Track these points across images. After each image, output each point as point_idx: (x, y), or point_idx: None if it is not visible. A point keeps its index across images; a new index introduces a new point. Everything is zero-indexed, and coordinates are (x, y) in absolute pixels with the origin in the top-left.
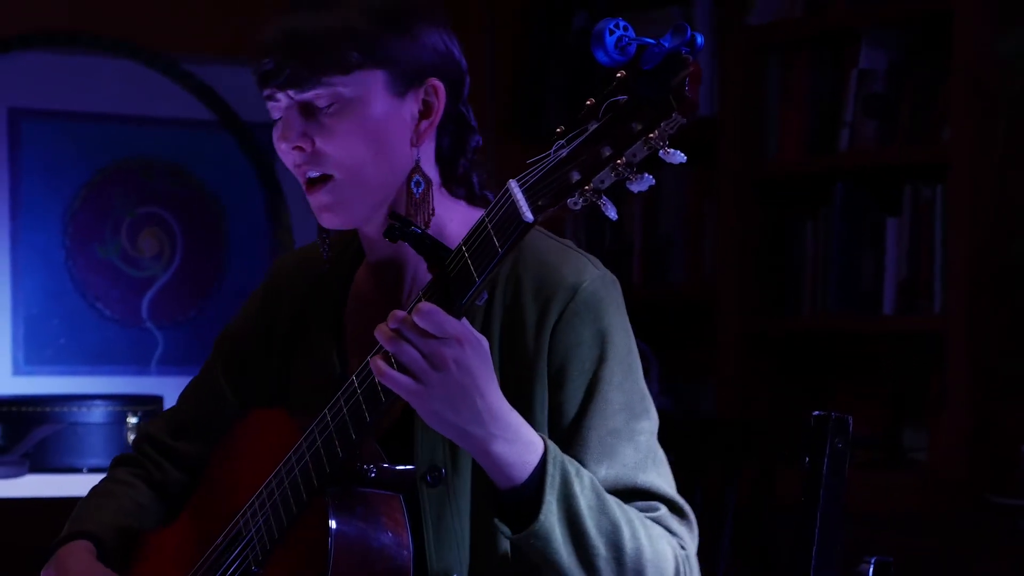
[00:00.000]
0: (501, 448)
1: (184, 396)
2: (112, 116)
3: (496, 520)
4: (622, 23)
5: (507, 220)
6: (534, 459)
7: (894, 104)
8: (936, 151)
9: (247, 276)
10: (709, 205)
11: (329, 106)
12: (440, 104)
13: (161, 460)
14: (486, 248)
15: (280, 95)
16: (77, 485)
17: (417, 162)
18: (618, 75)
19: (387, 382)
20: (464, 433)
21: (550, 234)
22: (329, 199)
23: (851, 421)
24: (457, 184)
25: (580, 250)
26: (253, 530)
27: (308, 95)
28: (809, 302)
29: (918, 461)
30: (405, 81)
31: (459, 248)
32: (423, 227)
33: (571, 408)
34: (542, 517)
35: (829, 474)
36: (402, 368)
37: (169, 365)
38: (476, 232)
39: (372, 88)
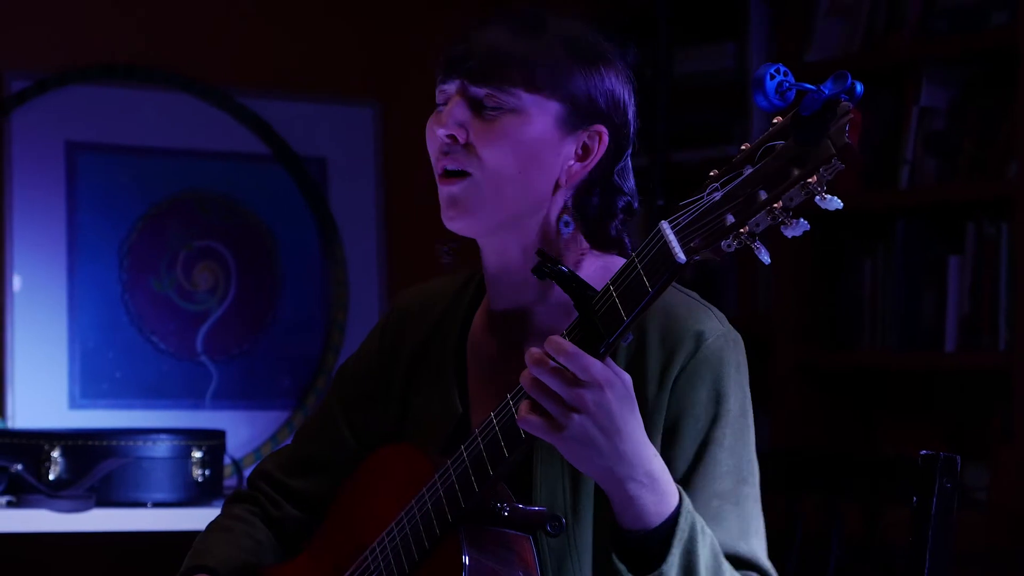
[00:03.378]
0: (639, 491)
1: (301, 433)
2: (168, 150)
3: (614, 558)
4: (782, 68)
5: (659, 260)
6: (668, 509)
7: (956, 141)
8: (1000, 187)
9: (300, 310)
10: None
11: (495, 108)
12: (599, 152)
13: (278, 498)
14: (635, 288)
15: (455, 81)
16: (142, 520)
17: (567, 203)
18: (775, 120)
19: (524, 425)
20: (606, 471)
21: (677, 284)
22: (460, 193)
23: (959, 460)
24: (608, 245)
25: (707, 303)
26: (383, 564)
27: (482, 92)
28: (868, 337)
29: (979, 500)
30: (575, 121)
31: (607, 288)
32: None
33: (681, 465)
34: (664, 568)
35: (938, 514)
36: (542, 409)
37: (223, 399)
38: (625, 272)
39: (543, 115)
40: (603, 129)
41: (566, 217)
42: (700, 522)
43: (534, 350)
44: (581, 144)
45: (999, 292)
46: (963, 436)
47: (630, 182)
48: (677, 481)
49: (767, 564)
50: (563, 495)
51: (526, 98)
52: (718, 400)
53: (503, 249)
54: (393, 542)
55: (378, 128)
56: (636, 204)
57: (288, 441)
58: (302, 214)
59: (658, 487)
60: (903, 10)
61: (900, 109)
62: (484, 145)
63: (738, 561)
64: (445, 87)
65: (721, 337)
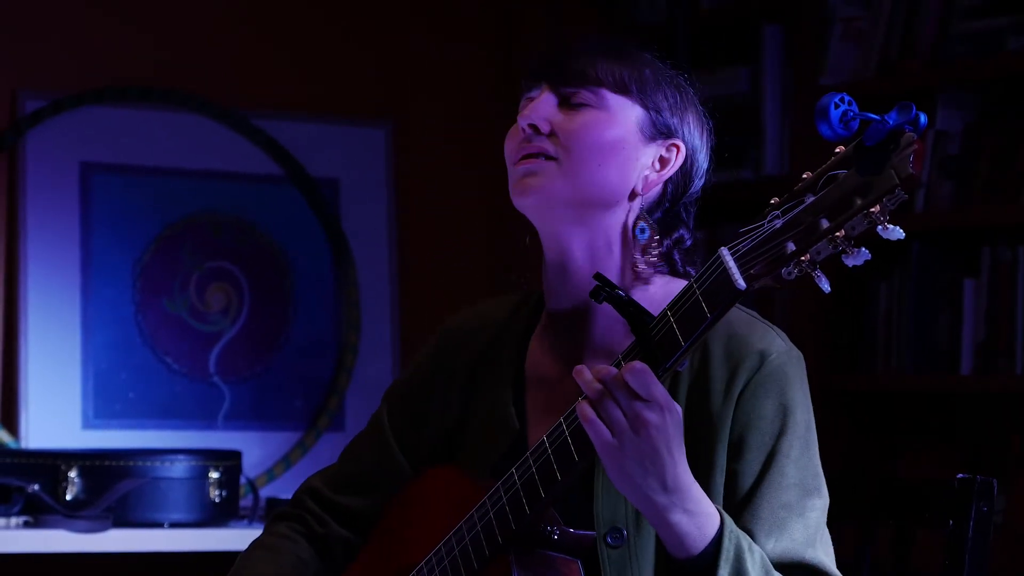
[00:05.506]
0: (680, 518)
1: (349, 450)
2: (182, 171)
3: None
4: (847, 97)
5: (718, 286)
6: (711, 532)
7: (971, 165)
8: (1016, 212)
9: (312, 331)
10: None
11: (582, 104)
12: (675, 163)
13: (324, 515)
14: (694, 314)
15: (541, 85)
16: (159, 540)
17: (643, 210)
18: (837, 149)
19: (589, 430)
20: (647, 498)
21: (739, 304)
22: (535, 168)
23: (996, 484)
24: (659, 262)
25: (768, 322)
26: None
27: (570, 89)
28: (883, 361)
29: (995, 524)
30: (656, 130)
31: (664, 313)
32: (629, 286)
33: (747, 479)
34: None
35: (974, 538)
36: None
37: (235, 420)
38: (683, 298)
39: (626, 117)
40: (681, 144)
41: (643, 224)
42: (746, 541)
43: (601, 366)
44: (659, 156)
45: (1016, 316)
46: (979, 459)
47: (691, 220)
48: (744, 494)
49: (835, 572)
50: (625, 506)
51: (612, 99)
52: (784, 413)
53: (568, 245)
54: (441, 563)
55: (390, 149)
56: (689, 242)
57: (302, 462)
58: (315, 235)
59: (700, 511)
60: (918, 34)
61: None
62: (566, 134)
63: (803, 568)
64: (530, 94)
65: (784, 354)
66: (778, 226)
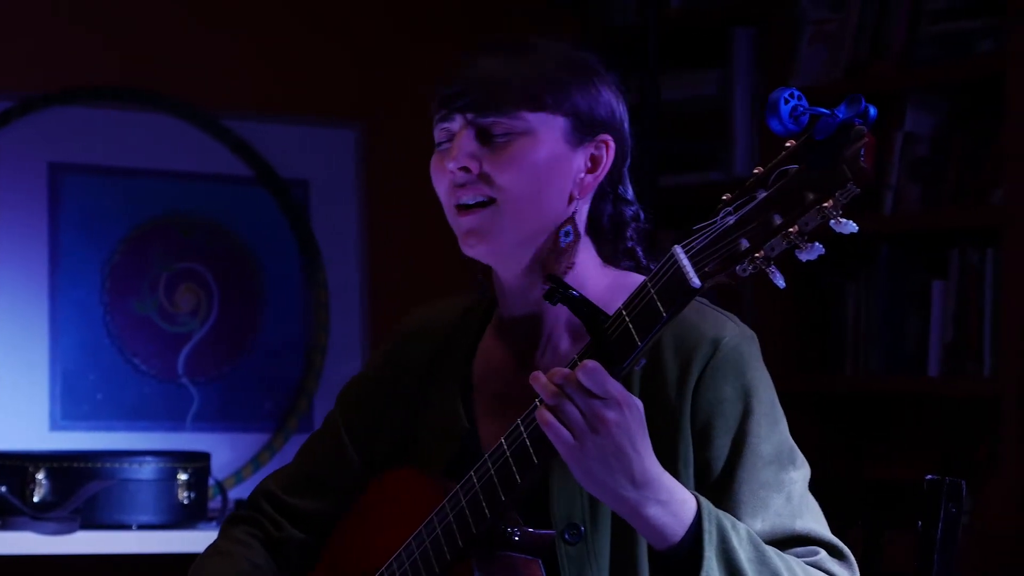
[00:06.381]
0: (654, 510)
1: (303, 451)
2: (151, 171)
3: None
4: (796, 92)
5: (672, 285)
6: (688, 517)
7: (940, 168)
8: (985, 214)
9: (281, 333)
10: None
11: (504, 134)
12: (608, 161)
13: (279, 519)
14: (649, 312)
15: (457, 117)
16: (127, 542)
17: (572, 215)
18: (787, 144)
19: (550, 433)
20: (618, 496)
21: None
22: (480, 223)
23: (964, 485)
24: (622, 256)
25: (717, 307)
26: None
27: (487, 121)
28: (852, 363)
29: (964, 524)
30: (581, 133)
31: (619, 312)
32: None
33: (719, 464)
34: (703, 574)
35: (943, 539)
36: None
37: (204, 421)
38: (637, 297)
39: (551, 132)
40: (609, 138)
41: (567, 228)
42: (728, 520)
43: (556, 368)
44: (589, 155)
45: (984, 318)
46: (948, 461)
47: (630, 193)
48: (718, 479)
49: (828, 536)
50: (581, 502)
51: (532, 118)
52: (747, 394)
53: (516, 265)
54: (402, 567)
55: (360, 150)
56: (642, 213)
57: (270, 464)
58: (284, 236)
59: (673, 499)
60: (887, 37)
61: (884, 135)
62: (499, 172)
63: (794, 539)
64: (446, 125)
65: (737, 336)
66: (731, 223)
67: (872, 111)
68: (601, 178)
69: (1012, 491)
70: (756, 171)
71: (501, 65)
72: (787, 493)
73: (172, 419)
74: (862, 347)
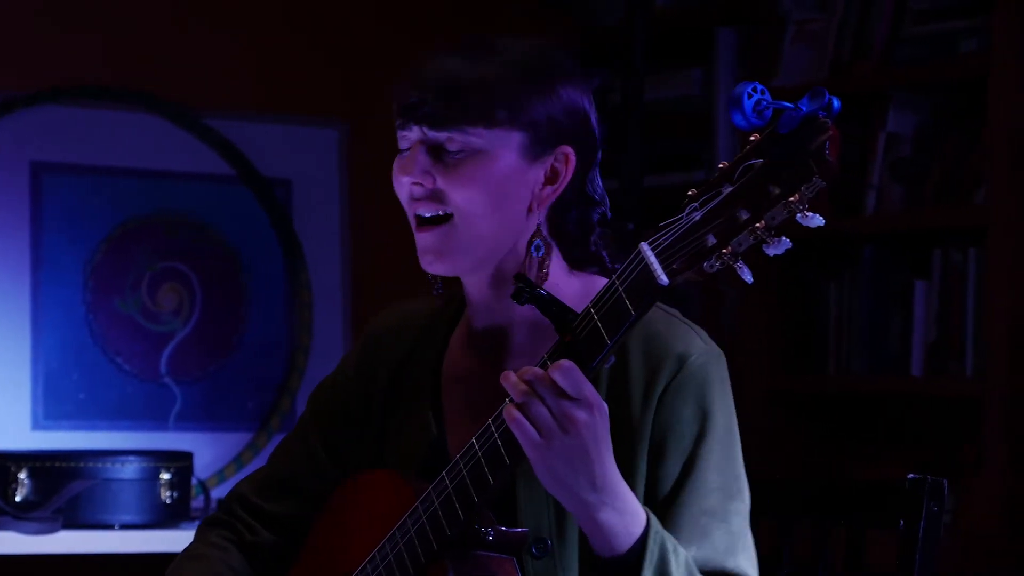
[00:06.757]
0: (608, 516)
1: (276, 455)
2: (134, 170)
3: None
4: (759, 87)
5: (640, 283)
6: (637, 531)
7: (922, 168)
8: (968, 214)
9: (265, 332)
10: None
11: (458, 151)
12: (568, 172)
13: (253, 522)
14: (617, 311)
15: (414, 128)
16: (110, 542)
17: (539, 227)
18: (752, 138)
19: (516, 430)
20: (577, 497)
21: (658, 303)
22: (437, 242)
23: (946, 484)
24: (588, 261)
25: (688, 321)
26: None
27: (441, 136)
28: (835, 362)
29: (945, 524)
30: (539, 147)
31: (587, 311)
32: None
33: (667, 484)
34: None
35: (925, 538)
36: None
37: (187, 421)
38: (605, 295)
39: (506, 147)
40: (569, 150)
41: (537, 241)
42: (671, 542)
43: (526, 367)
44: (549, 168)
45: (967, 318)
46: (930, 460)
47: (599, 190)
48: (664, 499)
49: None
50: (548, 516)
51: (487, 135)
52: (704, 417)
53: (479, 280)
54: (376, 570)
55: (343, 149)
56: (609, 213)
57: (253, 463)
58: (267, 236)
59: (627, 509)
60: (870, 37)
61: (867, 134)
62: (454, 189)
63: None
64: (405, 133)
65: (704, 354)
66: (697, 219)
67: (836, 103)
68: (561, 190)
69: (995, 490)
70: (721, 166)
71: (459, 70)
72: (728, 525)
73: (155, 418)
74: (845, 347)
